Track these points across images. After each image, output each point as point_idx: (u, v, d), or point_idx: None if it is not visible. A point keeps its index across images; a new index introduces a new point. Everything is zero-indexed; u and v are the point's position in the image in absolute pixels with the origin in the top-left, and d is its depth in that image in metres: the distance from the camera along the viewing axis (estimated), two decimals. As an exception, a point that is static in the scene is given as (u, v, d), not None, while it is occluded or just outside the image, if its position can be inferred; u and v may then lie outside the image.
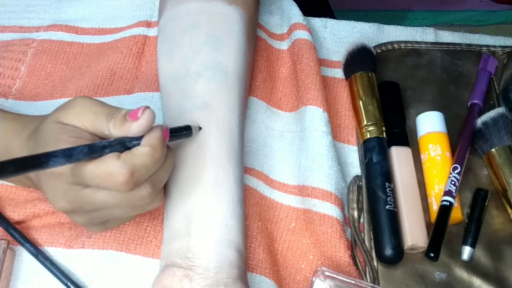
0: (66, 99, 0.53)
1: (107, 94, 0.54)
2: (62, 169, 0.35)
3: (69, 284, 0.43)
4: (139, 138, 0.37)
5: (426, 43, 0.59)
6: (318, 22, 0.62)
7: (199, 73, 0.47)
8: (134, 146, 0.37)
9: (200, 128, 0.44)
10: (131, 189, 0.36)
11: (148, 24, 0.59)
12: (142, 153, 0.36)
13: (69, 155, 0.34)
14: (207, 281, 0.39)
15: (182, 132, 0.42)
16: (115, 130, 0.37)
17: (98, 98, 0.53)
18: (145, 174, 0.37)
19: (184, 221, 0.42)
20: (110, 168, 0.35)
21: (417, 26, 0.62)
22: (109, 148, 0.36)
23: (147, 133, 0.37)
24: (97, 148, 0.35)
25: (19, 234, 0.45)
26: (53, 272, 0.44)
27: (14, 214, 0.46)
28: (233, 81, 0.47)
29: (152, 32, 0.58)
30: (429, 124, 0.52)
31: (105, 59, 0.56)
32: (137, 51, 0.57)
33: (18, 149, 0.41)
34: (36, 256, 0.45)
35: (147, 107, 0.37)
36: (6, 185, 0.49)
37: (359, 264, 0.47)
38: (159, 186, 0.39)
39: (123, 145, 0.37)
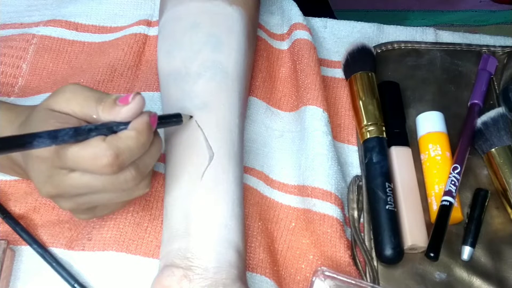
0: None
1: (107, 91, 0.54)
2: (48, 153, 0.36)
3: (76, 286, 0.43)
4: (126, 123, 0.37)
5: (426, 43, 0.59)
6: (318, 22, 0.62)
7: (199, 73, 0.47)
8: (120, 131, 0.37)
9: (191, 117, 0.44)
10: (115, 171, 0.36)
11: (149, 23, 0.59)
12: (127, 137, 0.37)
13: (54, 136, 0.34)
14: (206, 281, 0.39)
15: (172, 120, 0.42)
16: (104, 114, 0.37)
17: None
18: (129, 157, 0.37)
19: (183, 221, 0.42)
20: (95, 150, 0.35)
21: (417, 26, 0.62)
22: (95, 131, 0.36)
23: (134, 119, 0.37)
24: (83, 131, 0.36)
25: (27, 235, 0.45)
26: (60, 273, 0.44)
27: (15, 208, 0.47)
28: (233, 81, 0.47)
29: (152, 31, 0.58)
30: (429, 124, 0.52)
31: (105, 56, 0.56)
32: (138, 49, 0.57)
33: None
34: (43, 257, 0.44)
35: (138, 93, 0.37)
36: (5, 180, 0.49)
37: (359, 264, 0.47)
38: (144, 171, 0.39)
39: (110, 129, 0.37)
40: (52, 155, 0.36)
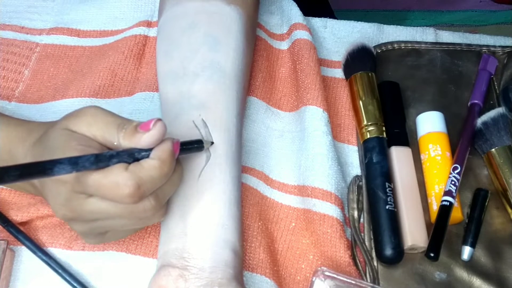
0: (67, 100, 0.54)
1: (107, 96, 0.54)
2: (68, 177, 0.35)
3: None
4: (148, 150, 0.37)
5: (426, 43, 0.59)
6: (318, 22, 0.62)
7: (196, 73, 0.47)
8: (142, 157, 0.36)
9: (212, 143, 0.44)
10: (135, 201, 0.36)
11: (149, 24, 0.59)
12: (150, 166, 0.36)
13: (75, 162, 0.34)
14: (202, 281, 0.39)
15: (193, 146, 0.41)
16: (125, 141, 0.37)
17: (99, 100, 0.54)
18: (151, 187, 0.36)
19: (180, 221, 0.42)
20: (117, 179, 0.35)
21: (417, 26, 0.62)
22: (117, 158, 0.36)
23: (157, 146, 0.37)
24: (104, 157, 0.35)
25: (31, 242, 0.45)
26: (68, 280, 0.44)
27: (17, 217, 0.46)
28: (231, 81, 0.47)
29: (152, 32, 0.58)
30: (429, 124, 0.52)
31: (106, 60, 0.56)
32: (138, 52, 0.57)
33: (21, 156, 0.40)
34: (48, 264, 0.44)
35: (159, 119, 0.36)
36: (10, 189, 0.48)
37: (359, 264, 0.47)
38: (163, 200, 0.39)
39: (132, 156, 0.36)
40: (72, 179, 0.35)
